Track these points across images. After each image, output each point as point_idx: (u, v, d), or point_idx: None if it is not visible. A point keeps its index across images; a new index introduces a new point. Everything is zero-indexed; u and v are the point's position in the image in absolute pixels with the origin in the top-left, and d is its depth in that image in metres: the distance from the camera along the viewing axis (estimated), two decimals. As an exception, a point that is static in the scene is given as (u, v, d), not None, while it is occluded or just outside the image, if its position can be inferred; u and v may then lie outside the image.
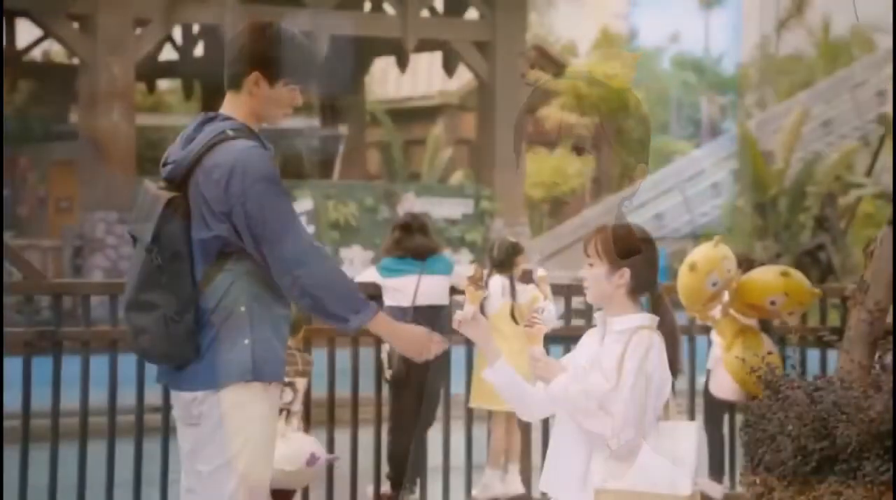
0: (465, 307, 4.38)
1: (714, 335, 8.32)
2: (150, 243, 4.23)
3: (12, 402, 7.30)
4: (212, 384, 4.24)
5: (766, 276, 7.66)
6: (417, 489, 8.32)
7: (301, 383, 7.41)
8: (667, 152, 36.07)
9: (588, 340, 4.50)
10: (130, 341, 4.36)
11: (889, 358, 4.27)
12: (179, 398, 4.35)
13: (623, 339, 4.33)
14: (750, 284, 7.63)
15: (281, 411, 7.30)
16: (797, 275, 7.69)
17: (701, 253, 7.63)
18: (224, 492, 4.24)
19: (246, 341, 4.18)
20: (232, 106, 4.36)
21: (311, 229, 24.17)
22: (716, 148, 33.64)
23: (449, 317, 8.38)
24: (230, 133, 4.27)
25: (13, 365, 7.18)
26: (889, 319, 7.96)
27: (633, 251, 4.37)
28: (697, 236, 30.03)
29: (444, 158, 31.09)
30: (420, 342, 4.27)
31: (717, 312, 7.95)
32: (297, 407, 7.38)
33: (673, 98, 39.88)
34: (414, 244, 8.35)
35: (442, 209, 25.09)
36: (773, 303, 7.58)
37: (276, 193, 4.22)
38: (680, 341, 4.48)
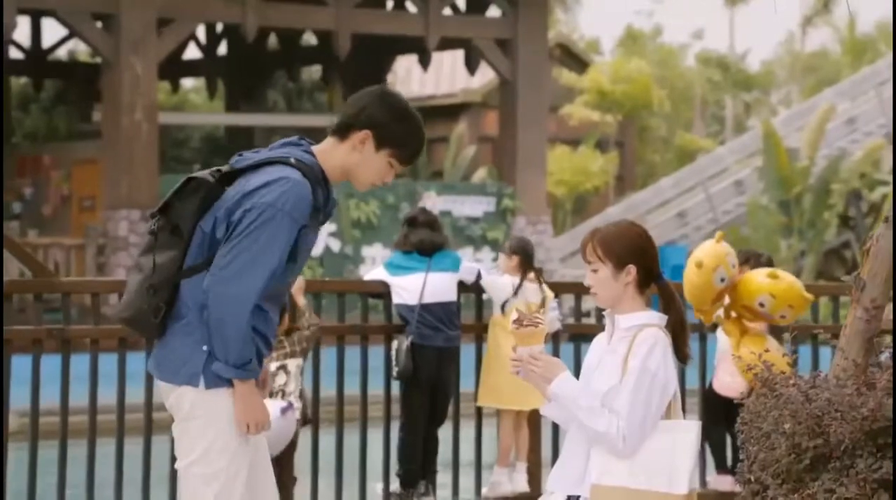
0: (518, 350, 4.37)
1: (720, 333, 8.29)
2: (157, 210, 4.26)
3: (21, 399, 7.33)
4: (173, 379, 4.26)
5: (756, 277, 7.64)
6: (429, 487, 8.31)
7: (293, 364, 7.45)
8: (691, 150, 35.97)
9: (598, 340, 4.51)
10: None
11: (884, 356, 4.25)
12: (160, 387, 4.38)
13: (629, 337, 4.34)
14: (741, 285, 7.62)
15: (275, 393, 7.34)
16: (787, 277, 7.66)
17: (705, 250, 7.61)
18: (193, 492, 4.25)
19: (204, 348, 4.18)
20: (326, 149, 4.31)
21: (332, 228, 24.24)
22: (740, 145, 33.53)
23: (456, 312, 8.40)
24: (293, 161, 4.23)
25: (23, 363, 7.22)
26: (885, 316, 7.97)
27: (634, 246, 4.38)
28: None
29: (466, 156, 31.09)
30: (256, 416, 4.21)
31: (721, 312, 7.94)
32: (292, 388, 7.42)
33: (697, 95, 39.78)
34: (419, 239, 8.33)
35: (464, 207, 25.10)
36: (761, 305, 7.57)
37: (278, 227, 4.13)
38: (688, 328, 4.47)
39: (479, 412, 8.56)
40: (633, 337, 4.33)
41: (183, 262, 4.22)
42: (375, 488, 8.39)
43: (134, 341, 7.66)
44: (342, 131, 4.31)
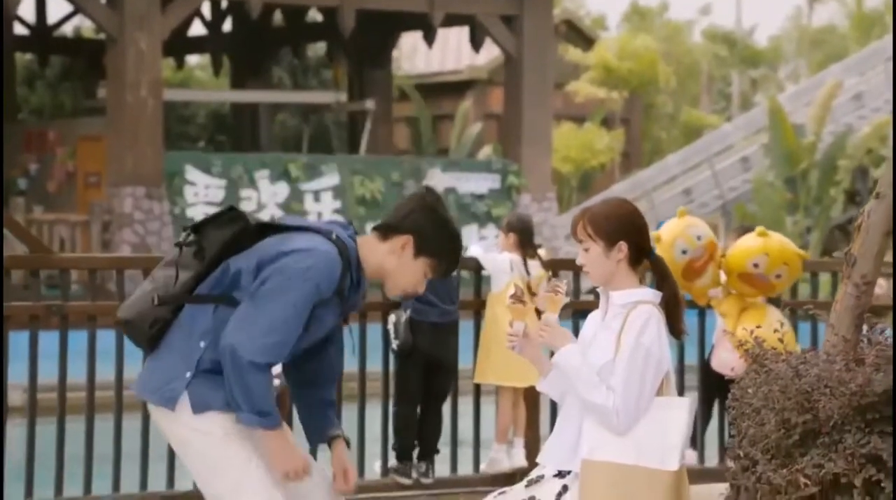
0: (514, 325, 4.39)
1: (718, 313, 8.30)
2: (192, 226, 4.27)
3: (19, 376, 7.35)
4: (150, 396, 4.26)
5: (745, 241, 7.71)
6: (429, 467, 8.31)
7: None
8: (697, 127, 35.89)
9: (593, 316, 4.51)
10: None
11: (875, 332, 4.24)
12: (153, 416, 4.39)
13: (623, 313, 4.34)
14: (733, 252, 7.67)
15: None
16: (777, 236, 7.73)
17: (665, 225, 7.72)
18: None
19: (188, 375, 4.18)
20: (368, 243, 4.32)
21: (337, 205, 24.23)
22: (746, 122, 33.44)
23: (455, 287, 8.39)
24: (333, 236, 4.23)
25: (21, 339, 7.23)
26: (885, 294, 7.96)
27: (625, 223, 4.38)
28: (728, 211, 29.92)
29: (472, 133, 31.04)
30: (294, 464, 4.20)
31: (718, 292, 7.95)
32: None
33: (704, 72, 39.67)
34: None
35: (469, 184, 25.09)
36: (756, 265, 7.62)
37: (302, 293, 4.11)
38: (682, 303, 4.47)
39: (477, 389, 8.57)
40: (628, 314, 4.33)
41: (196, 285, 4.23)
42: (374, 465, 8.40)
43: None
44: (385, 232, 4.33)
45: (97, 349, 7.37)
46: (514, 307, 4.42)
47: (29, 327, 7.20)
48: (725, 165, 31.38)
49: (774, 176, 28.53)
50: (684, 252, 7.65)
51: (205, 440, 4.19)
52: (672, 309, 4.37)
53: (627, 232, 4.35)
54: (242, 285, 4.19)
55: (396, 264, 4.29)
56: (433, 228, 4.30)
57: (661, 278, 4.41)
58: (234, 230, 4.21)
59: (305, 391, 4.47)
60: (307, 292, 4.12)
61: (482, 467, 8.56)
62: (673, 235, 7.68)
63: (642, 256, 4.39)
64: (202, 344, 4.19)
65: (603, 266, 4.36)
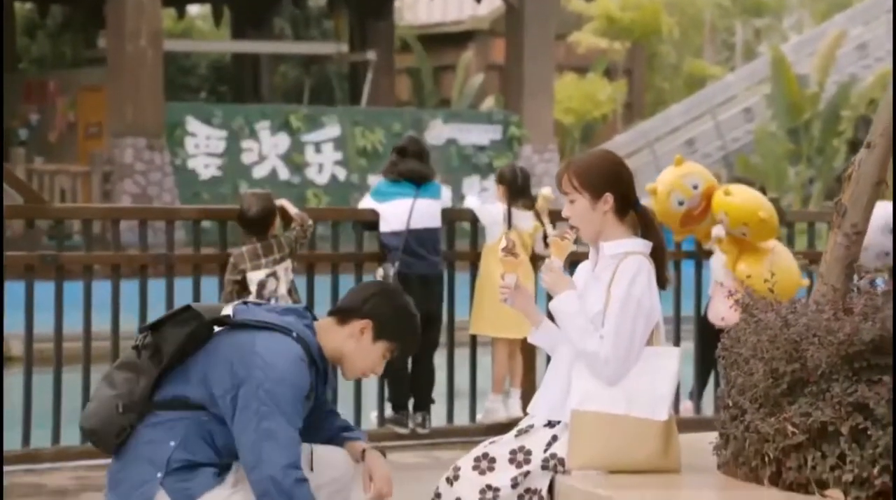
0: (506, 278, 4.40)
1: (713, 262, 8.29)
2: (147, 326, 4.23)
3: (15, 326, 7.37)
4: None
5: (717, 194, 7.77)
6: (425, 417, 8.33)
7: (282, 268, 7.50)
8: (700, 77, 35.73)
9: (583, 266, 4.51)
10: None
11: (864, 282, 4.24)
12: None
13: (613, 264, 4.34)
14: (713, 200, 7.72)
15: (269, 299, 7.41)
16: (742, 194, 7.75)
17: (661, 176, 7.72)
18: None
19: (158, 475, 4.13)
20: (326, 328, 4.33)
21: (338, 156, 24.18)
22: (750, 72, 33.29)
23: (439, 239, 8.40)
24: (295, 336, 4.21)
25: (16, 289, 7.25)
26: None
27: (610, 174, 4.37)
28: (730, 162, 29.85)
29: (474, 85, 30.92)
30: None
31: (720, 230, 7.95)
32: (283, 291, 7.47)
33: (707, 22, 39.47)
34: (408, 168, 8.26)
35: (470, 136, 25.03)
36: (722, 221, 7.68)
37: (284, 399, 4.11)
38: (667, 253, 4.48)
39: (473, 340, 8.58)
40: (617, 264, 4.33)
41: (155, 387, 4.18)
42: (370, 416, 8.44)
43: (127, 267, 7.70)
44: (343, 316, 4.34)
45: (93, 300, 7.38)
46: (506, 260, 4.43)
47: (24, 277, 7.21)
48: (728, 116, 31.28)
49: (777, 126, 28.44)
50: (681, 203, 7.66)
51: None
52: (657, 259, 4.38)
53: (613, 183, 4.35)
54: (217, 394, 4.15)
55: (355, 348, 4.32)
56: (392, 313, 4.35)
57: (646, 228, 4.41)
58: (189, 330, 4.17)
59: (319, 436, 4.47)
60: (289, 397, 4.14)
61: (478, 417, 8.60)
62: (668, 187, 7.68)
63: (628, 206, 4.39)
64: (172, 444, 4.15)
65: (590, 219, 4.36)
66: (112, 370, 4.25)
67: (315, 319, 4.36)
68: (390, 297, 4.41)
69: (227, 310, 4.31)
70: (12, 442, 7.25)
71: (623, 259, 4.32)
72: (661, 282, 4.38)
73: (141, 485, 4.14)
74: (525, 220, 8.73)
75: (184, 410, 4.17)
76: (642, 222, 4.41)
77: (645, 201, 4.55)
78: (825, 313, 4.09)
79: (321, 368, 4.30)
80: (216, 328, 4.29)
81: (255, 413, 4.09)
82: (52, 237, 11.30)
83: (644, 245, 4.38)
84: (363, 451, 4.46)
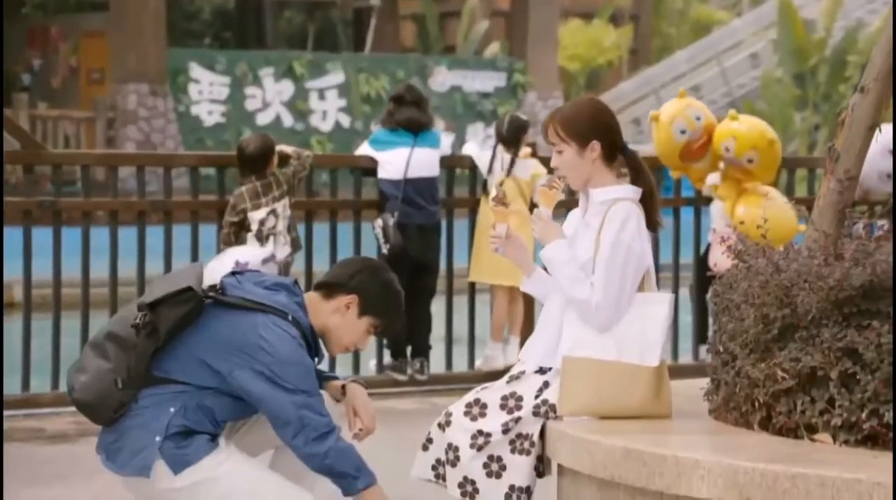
0: (497, 228, 4.40)
1: (712, 209, 8.28)
2: (147, 303, 4.19)
3: (14, 272, 7.39)
4: (121, 470, 4.19)
5: (720, 124, 7.76)
6: (423, 364, 8.35)
7: (281, 205, 7.52)
8: (707, 23, 35.51)
9: (574, 213, 4.51)
10: (70, 373, 4.28)
11: (858, 227, 4.23)
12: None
13: (602, 211, 4.33)
14: (713, 137, 7.71)
15: (266, 236, 7.44)
16: (749, 119, 7.76)
17: (664, 105, 7.72)
18: None
19: (157, 438, 4.13)
20: (312, 304, 4.33)
21: (342, 103, 24.12)
22: (756, 17, 33.09)
23: (437, 188, 8.38)
24: (290, 318, 4.22)
25: (14, 235, 7.26)
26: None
27: (595, 121, 4.36)
28: (736, 108, 29.75)
29: (479, 31, 30.74)
30: None
31: (716, 177, 7.94)
32: (282, 227, 7.49)
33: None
34: (405, 117, 8.22)
35: (475, 83, 24.95)
36: (727, 149, 7.66)
37: (296, 372, 4.15)
38: (657, 196, 4.47)
39: (471, 288, 8.59)
40: (607, 211, 4.32)
41: (149, 363, 4.16)
42: (369, 363, 8.47)
43: (127, 214, 7.70)
44: (329, 291, 4.35)
45: (91, 246, 7.39)
46: (496, 209, 4.42)
47: (22, 222, 7.22)
48: (734, 62, 31.12)
49: (783, 72, 28.30)
50: (683, 132, 7.66)
51: (202, 488, 4.17)
52: (647, 203, 4.38)
53: (599, 130, 4.34)
54: (221, 371, 4.15)
55: (340, 323, 4.33)
56: (379, 289, 4.36)
57: (636, 172, 4.41)
58: (185, 310, 4.17)
59: None
60: (300, 372, 4.17)
61: (477, 364, 8.62)
62: (672, 114, 7.68)
63: (616, 152, 4.38)
64: (171, 410, 4.15)
65: (578, 167, 4.36)
66: (103, 340, 4.22)
67: (300, 304, 4.34)
68: (376, 273, 4.43)
69: (215, 279, 4.29)
70: (12, 387, 7.29)
71: (613, 205, 4.32)
72: (653, 225, 4.38)
73: (140, 451, 4.14)
74: (523, 168, 8.70)
75: (182, 385, 4.18)
76: (632, 167, 4.41)
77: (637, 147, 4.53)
78: (816, 258, 4.08)
79: (313, 346, 4.33)
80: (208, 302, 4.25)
81: (275, 389, 4.12)
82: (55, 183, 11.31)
83: (634, 191, 4.37)
84: (342, 387, 4.48)
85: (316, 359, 4.37)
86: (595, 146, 4.34)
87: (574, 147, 4.35)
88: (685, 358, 8.84)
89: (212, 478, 4.17)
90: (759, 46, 31.04)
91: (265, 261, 7.39)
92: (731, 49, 31.85)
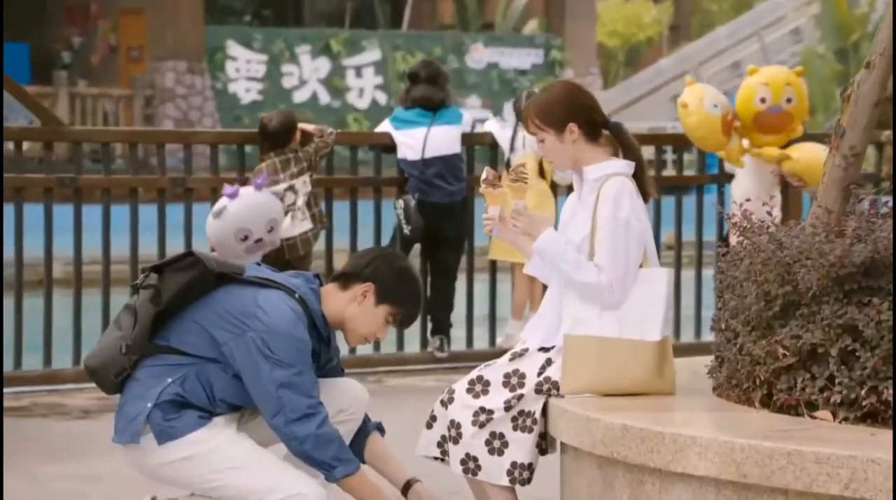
0: (490, 209, 4.38)
1: (733, 188, 8.22)
2: (150, 267, 4.21)
3: (34, 248, 7.44)
4: (118, 438, 4.20)
5: (743, 86, 7.79)
6: (443, 341, 8.35)
7: (300, 181, 7.53)
8: (747, -2, 35.23)
9: (570, 197, 4.51)
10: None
11: (863, 205, 4.19)
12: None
13: (597, 187, 4.33)
14: (739, 101, 7.69)
15: (287, 211, 7.46)
16: (765, 67, 7.78)
17: (684, 93, 7.70)
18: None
19: (149, 405, 4.11)
20: (328, 293, 4.31)
21: (378, 80, 24.10)
22: (798, -7, 32.80)
23: (459, 165, 8.34)
24: (297, 296, 4.21)
25: (36, 212, 7.31)
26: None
27: (568, 104, 4.36)
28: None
29: (518, 7, 30.61)
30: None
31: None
32: (301, 203, 7.51)
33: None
34: (420, 95, 8.15)
35: (512, 60, 24.91)
36: (763, 100, 7.63)
37: (288, 346, 4.14)
38: (645, 166, 4.47)
39: (492, 266, 8.58)
40: (601, 187, 4.32)
41: (158, 329, 4.18)
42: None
43: (146, 192, 7.73)
44: (345, 281, 4.32)
45: (111, 223, 7.43)
46: (488, 191, 4.39)
47: (43, 199, 7.27)
48: (775, 38, 30.85)
49: (825, 48, 28.07)
50: (715, 106, 7.63)
51: (191, 463, 4.16)
52: (638, 175, 4.37)
53: (573, 112, 4.35)
54: (220, 340, 4.16)
55: (357, 312, 4.30)
56: (394, 277, 4.33)
57: (624, 146, 4.40)
58: (190, 276, 4.17)
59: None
60: (296, 346, 4.16)
61: (498, 341, 8.60)
62: (697, 95, 7.65)
63: (598, 128, 4.36)
64: (168, 380, 4.15)
65: (561, 152, 4.37)
66: (121, 312, 4.27)
67: (322, 284, 4.35)
68: (391, 260, 4.40)
69: (239, 268, 4.31)
70: (33, 363, 7.35)
71: (606, 181, 4.31)
72: (646, 196, 4.38)
73: (134, 417, 4.16)
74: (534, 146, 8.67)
75: (186, 356, 4.18)
76: (618, 139, 4.40)
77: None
78: (818, 235, 4.05)
79: (324, 334, 4.30)
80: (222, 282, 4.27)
81: (267, 363, 4.11)
82: (96, 161, 11.35)
83: (626, 165, 4.37)
84: (407, 484, 4.42)
85: (332, 353, 4.34)
86: (573, 128, 4.35)
87: (552, 134, 4.36)
88: (708, 336, 8.79)
89: (200, 454, 4.16)
90: (801, 21, 30.77)
91: (259, 186, 7.30)
92: (772, 24, 31.57)
